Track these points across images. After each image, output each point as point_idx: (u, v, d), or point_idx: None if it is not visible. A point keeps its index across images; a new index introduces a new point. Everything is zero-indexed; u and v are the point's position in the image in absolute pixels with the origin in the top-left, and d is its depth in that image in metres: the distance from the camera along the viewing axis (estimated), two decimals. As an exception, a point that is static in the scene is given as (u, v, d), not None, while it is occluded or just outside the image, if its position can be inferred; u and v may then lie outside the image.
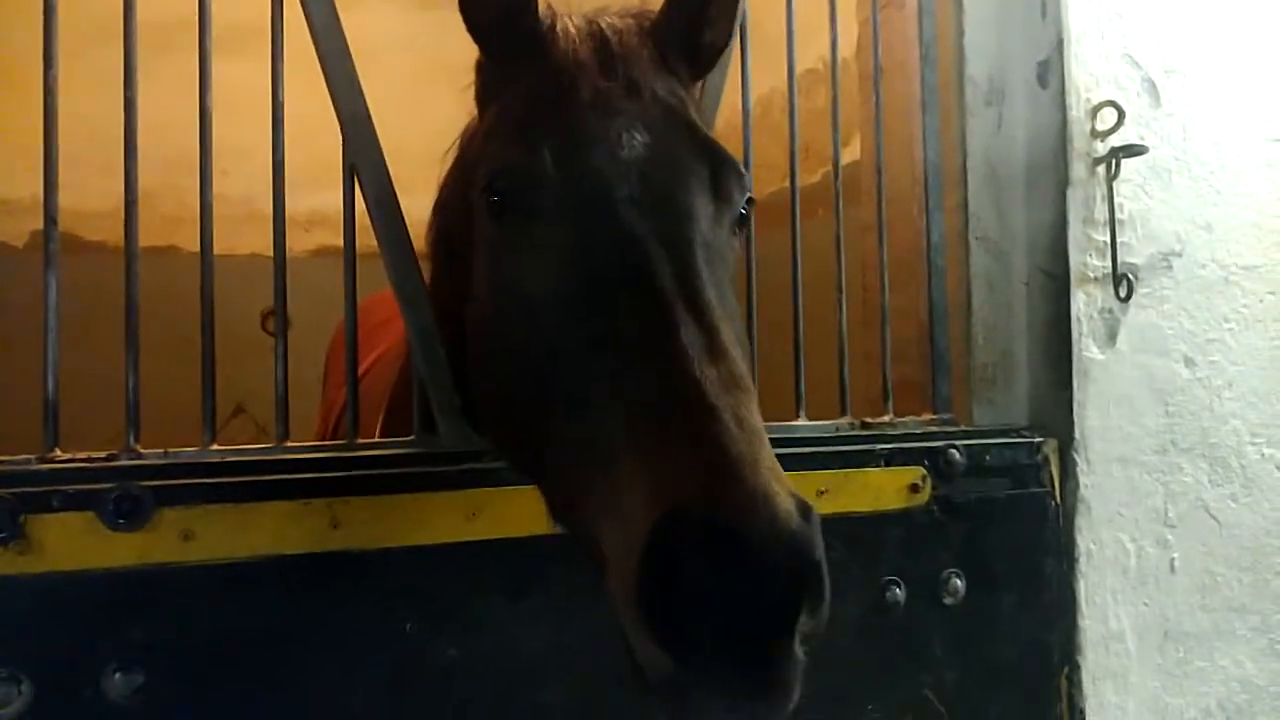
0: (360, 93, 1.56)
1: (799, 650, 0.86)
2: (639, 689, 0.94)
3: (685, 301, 1.09)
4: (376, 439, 1.80)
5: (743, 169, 1.32)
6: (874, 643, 1.81)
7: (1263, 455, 2.31)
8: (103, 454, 1.38)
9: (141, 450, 1.40)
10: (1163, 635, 2.19)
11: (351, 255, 1.59)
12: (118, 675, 1.27)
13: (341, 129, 1.56)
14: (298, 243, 5.63)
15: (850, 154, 2.76)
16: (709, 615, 0.82)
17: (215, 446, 1.44)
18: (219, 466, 1.39)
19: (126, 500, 1.27)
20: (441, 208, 1.66)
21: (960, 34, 2.10)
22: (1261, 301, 2.29)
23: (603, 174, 1.21)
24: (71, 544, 1.26)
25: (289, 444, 1.49)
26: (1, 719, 1.21)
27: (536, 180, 1.23)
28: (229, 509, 1.34)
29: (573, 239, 1.18)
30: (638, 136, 1.26)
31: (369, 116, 1.57)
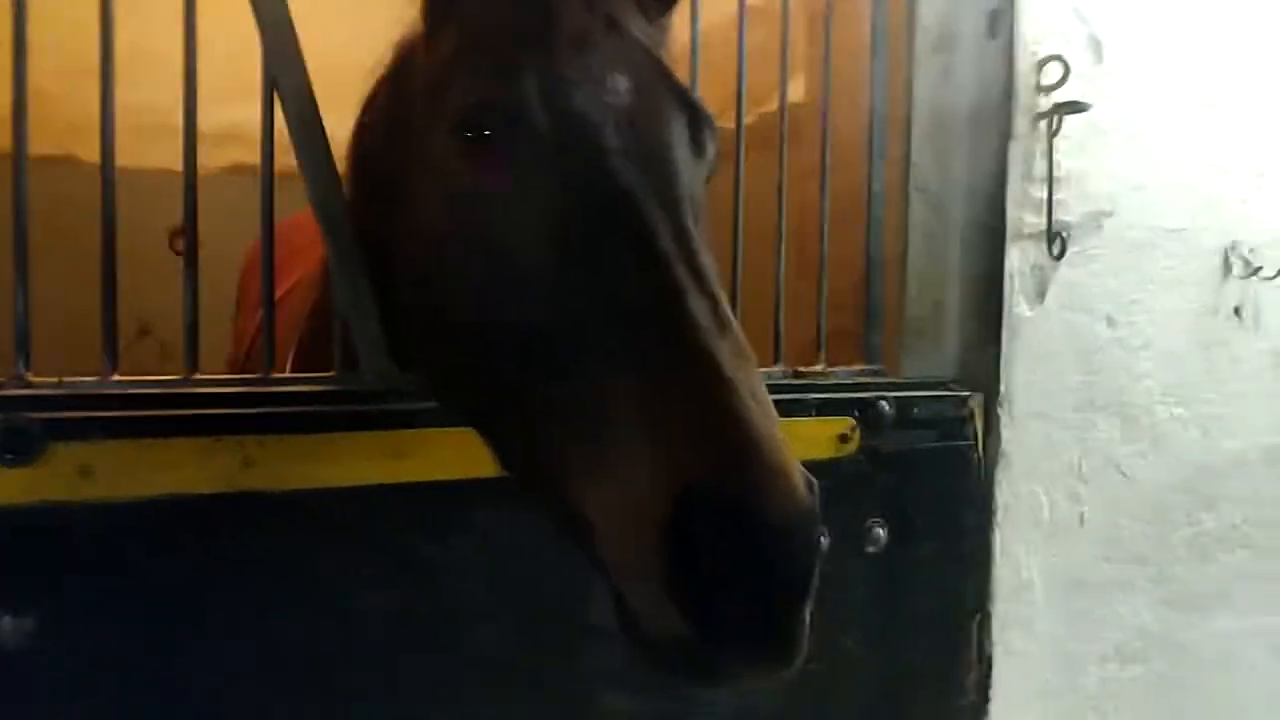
0: (284, 3, 1.44)
1: (808, 613, 0.91)
2: (643, 653, 0.98)
3: (686, 265, 1.05)
4: (291, 373, 1.72)
5: (714, 122, 1.27)
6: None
7: (1172, 415, 2.38)
8: (-11, 382, 1.27)
9: (33, 379, 1.30)
10: (1068, 585, 2.26)
11: (269, 174, 1.48)
12: (6, 619, 1.18)
13: (261, 39, 1.44)
14: (209, 159, 5.29)
15: (792, 94, 2.70)
16: (732, 586, 0.86)
17: (117, 377, 1.34)
18: (121, 399, 1.29)
19: (13, 433, 1.17)
20: (366, 129, 1.55)
21: (913, -28, 2.05)
22: (1185, 264, 2.34)
23: (590, 121, 1.14)
24: (-47, 479, 1.16)
25: (198, 376, 1.40)
26: (-125, 665, 1.12)
27: (518, 122, 1.14)
28: (131, 445, 1.25)
29: (560, 190, 1.11)
30: (622, 81, 1.18)
31: (291, 26, 1.45)
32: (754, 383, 0.98)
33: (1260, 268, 2.42)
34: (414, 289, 1.28)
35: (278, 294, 2.64)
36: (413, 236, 1.28)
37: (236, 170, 4.99)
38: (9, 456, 1.17)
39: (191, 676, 1.30)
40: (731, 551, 0.86)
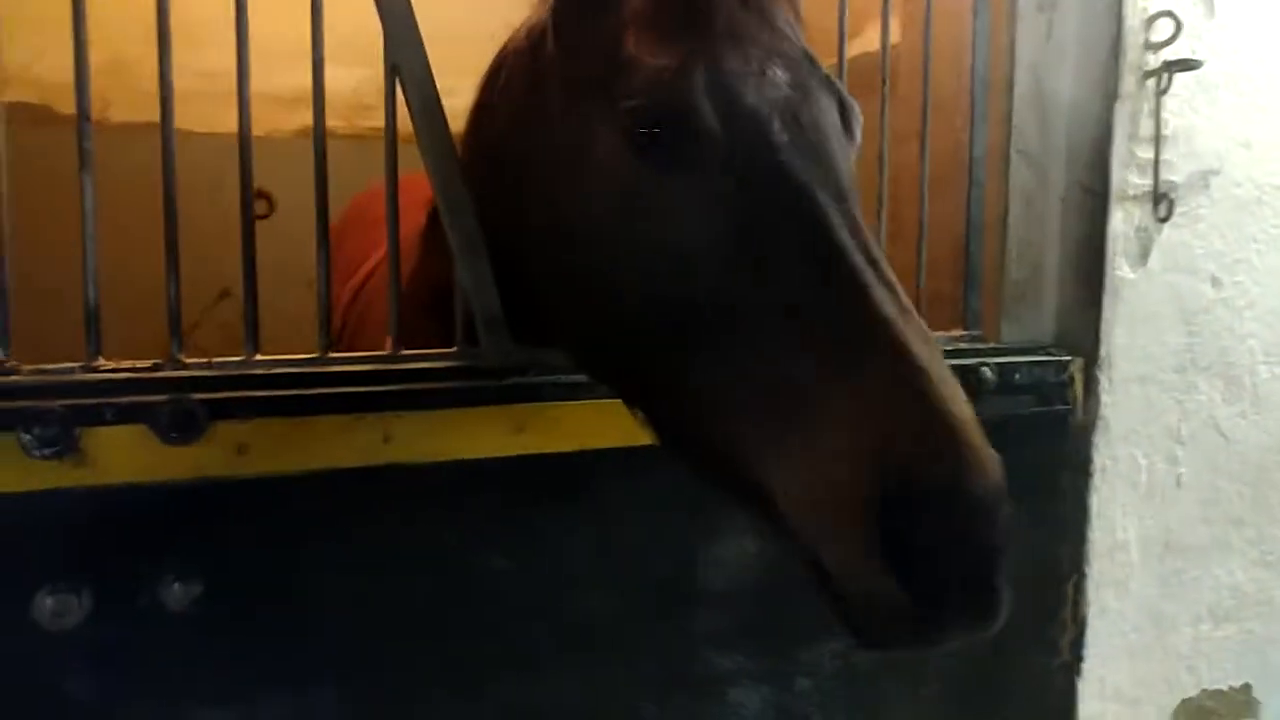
0: (401, -17, 1.47)
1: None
2: (848, 621, 1.04)
3: (864, 256, 1.09)
4: (420, 351, 1.78)
5: (859, 109, 1.29)
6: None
7: (1274, 374, 2.34)
8: (148, 364, 1.34)
9: (186, 360, 1.37)
10: (1164, 546, 2.26)
11: (393, 154, 1.52)
12: (176, 585, 1.27)
13: (382, 22, 1.47)
14: (283, 122, 5.31)
15: (863, 45, 2.64)
16: (945, 556, 0.94)
17: (260, 357, 1.41)
18: (268, 379, 1.36)
19: (181, 414, 1.25)
20: (489, 111, 1.57)
21: (1016, -69, 2.00)
22: (1291, 222, 2.28)
23: (761, 118, 1.17)
24: (125, 457, 1.24)
25: (333, 354, 1.46)
26: (62, 627, 1.22)
27: (691, 121, 1.16)
28: (281, 423, 1.33)
29: (737, 187, 1.14)
30: (781, 73, 1.21)
31: (411, 9, 1.48)
32: (941, 367, 1.02)
33: (1372, 224, 2.34)
34: (563, 275, 1.31)
35: (370, 263, 2.72)
36: (561, 224, 1.30)
37: (309, 134, 5.03)
38: (175, 435, 1.25)
39: (335, 638, 1.39)
40: (943, 525, 0.93)
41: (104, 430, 1.23)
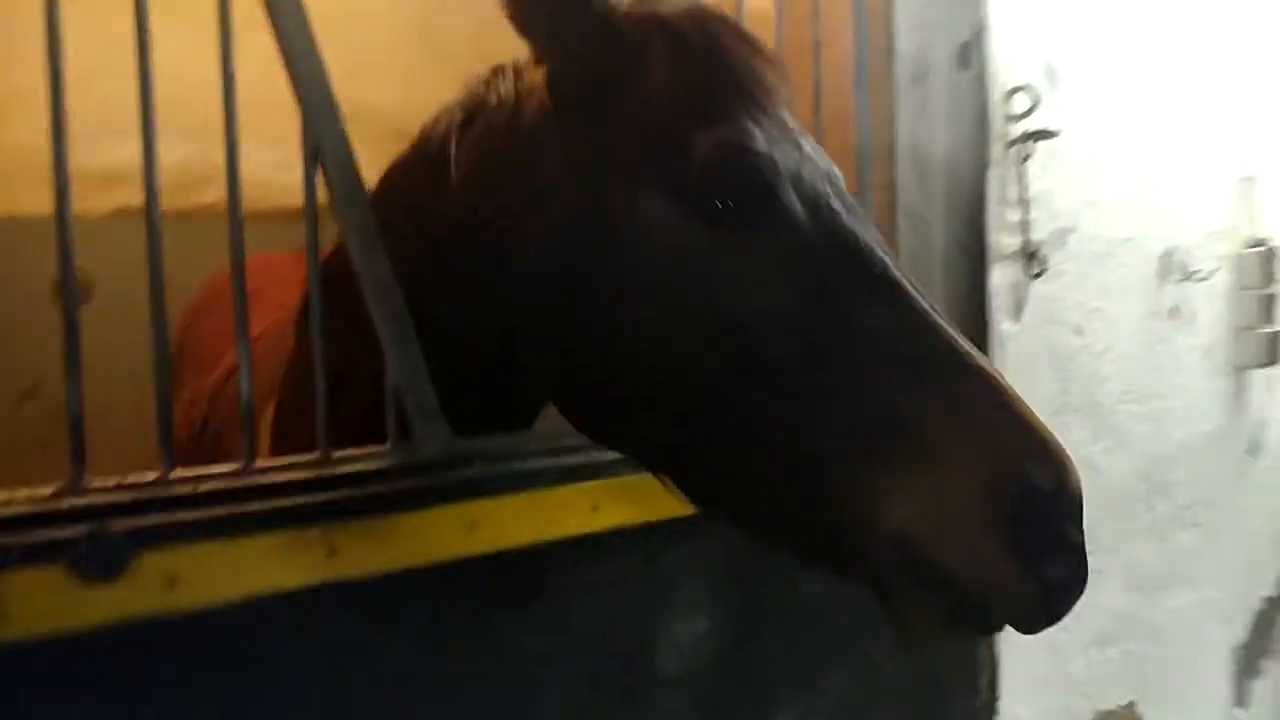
0: (318, 57, 1.38)
1: None
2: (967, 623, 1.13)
3: (926, 302, 1.16)
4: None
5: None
6: (800, 610, 1.84)
7: (1130, 411, 2.55)
8: (48, 490, 1.17)
9: (89, 486, 1.20)
10: (1054, 580, 2.39)
11: (313, 239, 1.42)
12: (97, 751, 1.10)
13: (297, 98, 1.38)
14: (96, 203, 4.72)
15: None
16: (1064, 547, 1.09)
17: (178, 473, 1.26)
18: (195, 499, 1.21)
19: (102, 547, 1.09)
20: (434, 190, 1.47)
21: (890, 5, 2.12)
22: (1133, 271, 2.51)
23: (817, 184, 1.23)
24: (38, 603, 1.06)
25: (260, 464, 1.33)
26: (-37, 817, 1.02)
27: (778, 187, 1.20)
28: (215, 546, 1.18)
29: (813, 248, 1.19)
30: (807, 144, 1.28)
31: (329, 84, 1.39)
32: (1013, 389, 1.13)
33: (1195, 271, 2.62)
34: (588, 349, 1.27)
35: (229, 358, 2.50)
36: (589, 297, 1.26)
37: (124, 213, 4.51)
38: (95, 573, 1.09)
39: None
40: (1058, 522, 1.07)
41: (10, 574, 1.05)
